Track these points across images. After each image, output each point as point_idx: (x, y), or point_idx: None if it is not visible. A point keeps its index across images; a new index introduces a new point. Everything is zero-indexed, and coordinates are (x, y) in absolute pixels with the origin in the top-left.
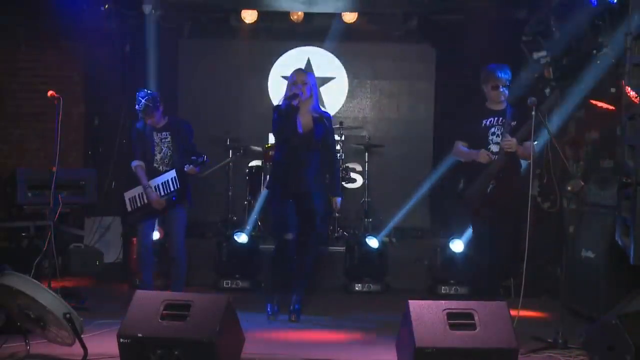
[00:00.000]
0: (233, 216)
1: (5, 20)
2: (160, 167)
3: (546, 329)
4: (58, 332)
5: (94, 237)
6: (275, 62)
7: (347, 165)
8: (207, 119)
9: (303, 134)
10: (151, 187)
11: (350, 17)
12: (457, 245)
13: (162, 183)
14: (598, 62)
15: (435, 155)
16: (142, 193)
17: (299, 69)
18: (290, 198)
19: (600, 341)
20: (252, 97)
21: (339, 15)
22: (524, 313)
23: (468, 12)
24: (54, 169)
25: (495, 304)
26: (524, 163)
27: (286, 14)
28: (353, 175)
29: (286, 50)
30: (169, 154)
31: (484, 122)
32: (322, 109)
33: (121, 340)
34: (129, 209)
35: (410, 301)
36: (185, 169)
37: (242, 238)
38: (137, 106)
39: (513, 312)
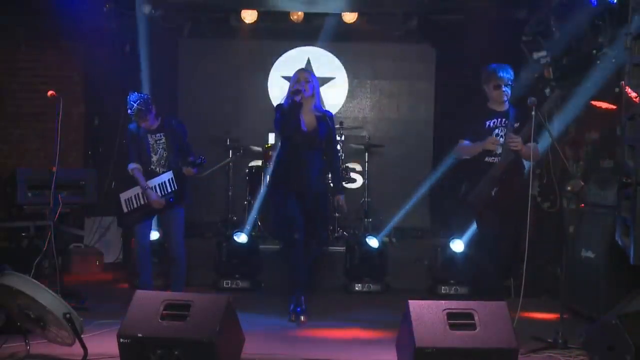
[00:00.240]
0: (233, 216)
1: (5, 20)
2: (157, 169)
3: (546, 329)
4: (58, 332)
5: (94, 237)
6: (275, 62)
7: (347, 165)
8: (207, 119)
9: (307, 132)
10: (150, 188)
11: (350, 17)
12: (458, 245)
13: (159, 184)
14: (599, 62)
15: (435, 155)
16: (138, 194)
17: (302, 68)
18: (293, 197)
19: (600, 341)
20: (252, 97)
21: (339, 15)
22: (524, 313)
23: (468, 12)
24: (54, 169)
25: (495, 304)
26: (526, 164)
27: (286, 14)
28: (353, 175)
29: (286, 50)
30: (164, 155)
31: (488, 123)
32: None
33: (121, 340)
34: (125, 210)
35: (410, 301)
36: (183, 169)
37: (241, 238)
38: (129, 110)
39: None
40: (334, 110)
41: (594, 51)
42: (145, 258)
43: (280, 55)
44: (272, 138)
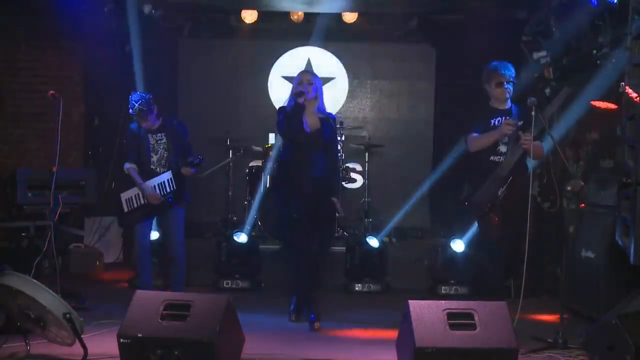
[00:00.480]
0: (233, 216)
1: (5, 20)
2: (158, 169)
3: (546, 329)
4: (58, 332)
5: (94, 237)
6: (275, 62)
7: (347, 165)
8: (207, 119)
9: (310, 134)
10: (145, 184)
11: (350, 17)
12: (458, 245)
13: (158, 184)
14: (603, 65)
15: (435, 155)
16: (138, 194)
17: (305, 70)
18: (297, 198)
19: (600, 341)
20: (252, 97)
21: (339, 15)
22: (524, 313)
23: (468, 12)
24: (54, 169)
25: (495, 304)
26: (528, 165)
27: (286, 14)
28: (353, 175)
29: (286, 50)
30: (165, 155)
31: (492, 121)
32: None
33: (121, 340)
34: (126, 209)
35: (410, 301)
36: (181, 169)
37: (241, 238)
38: (130, 110)
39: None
40: (334, 110)
41: (594, 51)
42: (145, 258)
43: (280, 55)
44: (272, 138)
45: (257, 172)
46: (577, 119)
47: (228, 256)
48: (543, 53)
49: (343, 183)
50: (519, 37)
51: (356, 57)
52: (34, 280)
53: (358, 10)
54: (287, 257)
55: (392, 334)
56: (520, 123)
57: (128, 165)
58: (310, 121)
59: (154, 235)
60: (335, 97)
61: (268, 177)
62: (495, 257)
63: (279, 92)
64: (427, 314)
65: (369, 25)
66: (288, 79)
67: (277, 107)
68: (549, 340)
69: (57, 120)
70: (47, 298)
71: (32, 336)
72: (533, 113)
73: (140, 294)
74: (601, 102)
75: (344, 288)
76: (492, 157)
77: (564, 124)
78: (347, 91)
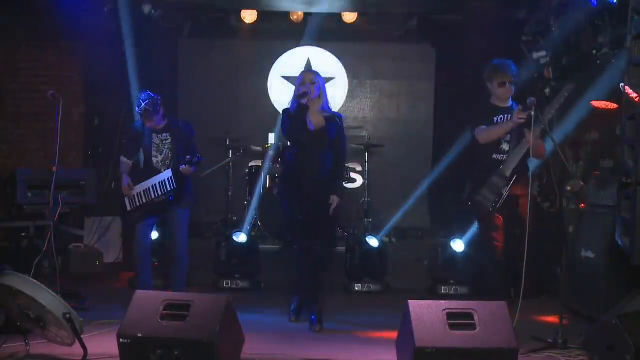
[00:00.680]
0: (233, 216)
1: (5, 20)
2: (162, 169)
3: (546, 329)
4: (58, 332)
5: (94, 237)
6: (275, 62)
7: (347, 165)
8: (207, 119)
9: (314, 132)
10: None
11: (350, 17)
12: (458, 245)
13: (159, 183)
14: (606, 65)
15: (435, 155)
16: (141, 192)
17: (308, 70)
18: (301, 199)
19: (600, 341)
20: (252, 97)
21: (339, 15)
22: (524, 313)
23: (468, 12)
24: (54, 169)
25: (495, 304)
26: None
27: (286, 14)
28: (353, 175)
29: (286, 50)
30: (170, 155)
31: (495, 119)
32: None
33: (121, 340)
34: (129, 208)
35: (410, 301)
36: (180, 168)
37: (241, 238)
38: (137, 108)
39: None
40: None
41: (594, 51)
42: (146, 258)
43: (280, 55)
44: (272, 138)
45: (257, 172)
46: (578, 121)
47: (228, 256)
48: (543, 53)
49: (343, 184)
50: (519, 37)
51: (356, 57)
52: (34, 280)
53: (358, 10)
54: (289, 258)
55: (392, 334)
56: (531, 112)
57: (123, 159)
58: (315, 120)
59: (154, 235)
60: (335, 97)
61: (268, 177)
62: (495, 257)
63: (279, 92)
64: (427, 314)
65: (369, 25)
66: (288, 79)
67: (277, 107)
68: (549, 340)
69: (57, 120)
70: (47, 298)
71: (32, 336)
72: (533, 113)
73: (140, 294)
74: (601, 102)
75: (344, 288)
76: (494, 156)
77: (565, 125)
78: (346, 91)
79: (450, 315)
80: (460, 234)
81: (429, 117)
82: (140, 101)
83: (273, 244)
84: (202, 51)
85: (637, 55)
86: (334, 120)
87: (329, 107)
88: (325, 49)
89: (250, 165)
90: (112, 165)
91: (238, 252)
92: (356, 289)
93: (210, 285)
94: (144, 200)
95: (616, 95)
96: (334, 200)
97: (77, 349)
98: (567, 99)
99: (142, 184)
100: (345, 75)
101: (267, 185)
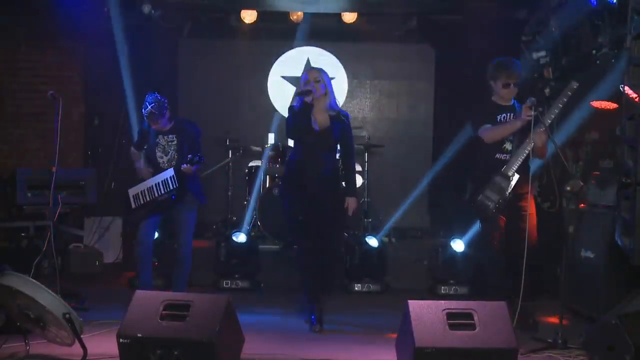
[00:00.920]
0: (232, 216)
1: (5, 20)
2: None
3: (546, 329)
4: (58, 332)
5: (93, 237)
6: (275, 62)
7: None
8: (207, 119)
9: (319, 132)
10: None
11: (350, 17)
12: (458, 245)
13: (161, 181)
14: (598, 62)
15: (435, 155)
16: (144, 190)
17: (313, 68)
18: (305, 199)
19: (600, 341)
20: (252, 97)
21: (339, 15)
22: (523, 313)
23: (468, 12)
24: (54, 169)
25: (495, 304)
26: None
27: (286, 14)
28: None
29: (286, 50)
30: (175, 156)
31: (498, 117)
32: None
33: (121, 340)
34: (133, 205)
35: (410, 301)
36: (181, 167)
37: (241, 238)
38: (143, 110)
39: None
40: None
41: (594, 51)
42: (147, 257)
43: (280, 55)
44: (271, 138)
45: (257, 172)
46: (578, 121)
47: (227, 256)
48: (542, 53)
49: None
50: (518, 37)
51: (356, 57)
52: (34, 281)
53: (357, 10)
54: (289, 258)
55: (392, 334)
56: (540, 109)
57: (133, 150)
58: (320, 119)
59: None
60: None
61: (267, 176)
62: (495, 257)
63: (279, 92)
64: (427, 314)
65: (369, 25)
66: (288, 79)
67: (277, 107)
68: (549, 340)
69: (57, 120)
70: (47, 298)
71: (31, 336)
72: (533, 113)
73: (140, 294)
74: (600, 102)
75: (344, 288)
76: (497, 155)
77: (565, 126)
78: (346, 91)
79: (450, 315)
80: (460, 234)
81: (428, 117)
82: (147, 103)
83: (273, 244)
84: (202, 51)
85: (637, 55)
86: (339, 119)
87: (336, 105)
88: (325, 49)
89: (249, 165)
90: (112, 165)
91: (238, 252)
92: (356, 289)
93: (210, 285)
94: (148, 199)
95: (616, 95)
96: (350, 203)
97: (76, 349)
98: (569, 98)
99: (145, 182)
100: (345, 75)
101: (267, 185)
